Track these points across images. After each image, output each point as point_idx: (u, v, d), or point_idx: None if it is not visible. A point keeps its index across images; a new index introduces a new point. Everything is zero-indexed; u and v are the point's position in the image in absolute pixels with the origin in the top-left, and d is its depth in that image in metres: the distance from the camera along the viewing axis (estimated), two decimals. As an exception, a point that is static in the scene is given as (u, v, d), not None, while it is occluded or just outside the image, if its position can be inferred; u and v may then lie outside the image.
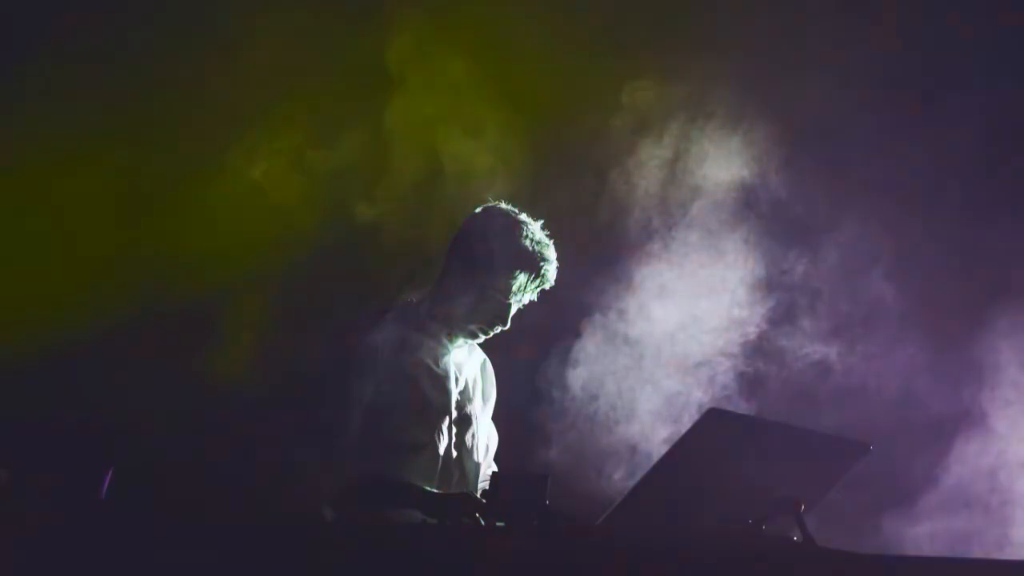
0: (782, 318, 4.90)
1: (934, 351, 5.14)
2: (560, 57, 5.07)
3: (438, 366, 3.85)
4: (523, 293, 3.84)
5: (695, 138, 4.87)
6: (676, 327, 4.61)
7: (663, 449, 3.18)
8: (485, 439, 3.98)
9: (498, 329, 3.88)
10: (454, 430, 3.86)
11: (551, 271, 3.86)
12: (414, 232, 4.79)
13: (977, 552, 4.87)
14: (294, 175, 5.12)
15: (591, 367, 4.52)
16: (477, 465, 3.91)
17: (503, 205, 3.93)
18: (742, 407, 4.72)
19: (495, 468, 4.02)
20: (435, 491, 3.69)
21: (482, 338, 3.92)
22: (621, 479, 4.49)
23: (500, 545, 3.05)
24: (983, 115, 5.18)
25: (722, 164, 4.84)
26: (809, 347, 4.97)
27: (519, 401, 4.45)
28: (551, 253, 3.86)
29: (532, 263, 3.82)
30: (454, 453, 3.85)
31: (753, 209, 4.87)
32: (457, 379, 3.90)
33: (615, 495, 3.16)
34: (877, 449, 3.29)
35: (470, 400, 3.93)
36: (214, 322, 5.02)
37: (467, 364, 3.97)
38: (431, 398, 3.81)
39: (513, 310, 3.86)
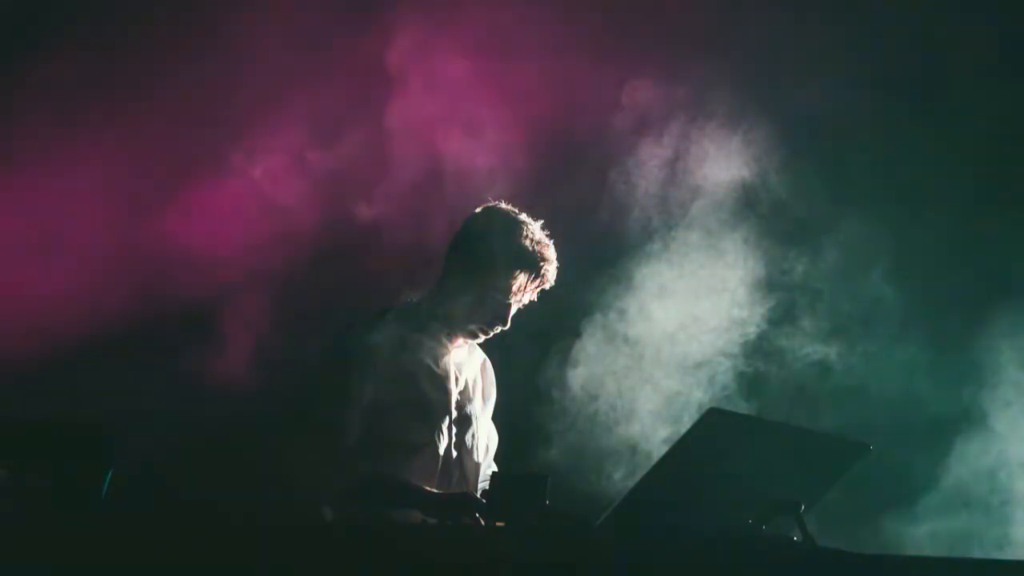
0: (782, 318, 4.90)
1: (934, 351, 5.15)
2: (560, 57, 5.06)
3: (438, 366, 3.84)
4: (523, 293, 3.84)
5: (695, 138, 4.86)
6: (676, 327, 4.61)
7: (663, 449, 3.18)
8: (485, 439, 3.97)
9: (498, 329, 3.88)
10: (454, 430, 3.86)
11: (551, 271, 3.85)
12: (414, 232, 4.78)
13: (977, 552, 4.87)
14: (294, 175, 5.12)
15: (591, 367, 4.52)
16: (477, 465, 3.90)
17: (503, 205, 3.93)
18: (742, 407, 4.72)
19: (495, 468, 4.01)
20: (435, 491, 3.69)
21: (482, 338, 3.92)
22: (621, 479, 4.49)
23: (500, 545, 3.05)
24: (983, 115, 5.19)
25: (722, 164, 4.83)
26: (809, 347, 4.97)
27: (519, 401, 4.44)
28: (551, 253, 3.85)
29: (532, 263, 3.82)
30: (454, 453, 3.85)
31: (753, 209, 4.87)
32: (457, 379, 3.90)
33: (615, 495, 3.15)
34: (877, 449, 3.29)
35: (470, 400, 3.93)
36: (214, 322, 5.02)
37: (467, 364, 3.96)
38: (431, 398, 3.80)
39: (513, 310, 3.86)
